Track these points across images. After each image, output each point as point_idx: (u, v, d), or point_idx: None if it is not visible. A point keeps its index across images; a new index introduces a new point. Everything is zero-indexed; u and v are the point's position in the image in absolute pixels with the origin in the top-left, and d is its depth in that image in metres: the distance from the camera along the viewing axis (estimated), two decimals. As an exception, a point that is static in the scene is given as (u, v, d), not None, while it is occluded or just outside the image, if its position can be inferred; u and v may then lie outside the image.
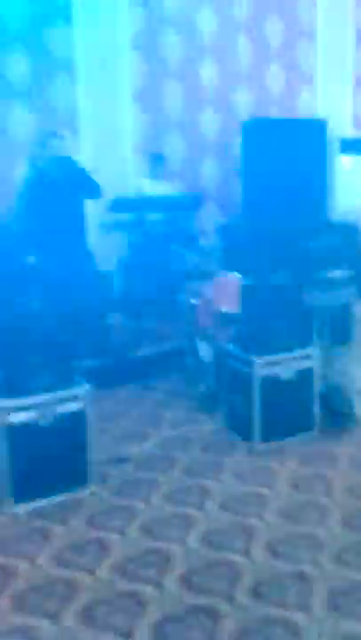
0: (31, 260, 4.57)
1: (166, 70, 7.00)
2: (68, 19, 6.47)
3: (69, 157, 4.81)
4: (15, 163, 6.29)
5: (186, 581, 2.47)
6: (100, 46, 6.62)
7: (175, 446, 3.70)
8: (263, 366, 3.60)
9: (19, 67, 6.37)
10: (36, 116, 6.46)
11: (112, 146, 6.67)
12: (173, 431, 3.91)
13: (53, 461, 3.06)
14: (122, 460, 3.51)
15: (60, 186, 4.71)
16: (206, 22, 7.11)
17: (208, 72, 7.21)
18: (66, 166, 4.69)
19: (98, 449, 3.26)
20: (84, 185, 4.72)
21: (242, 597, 2.37)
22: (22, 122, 6.45)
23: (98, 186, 4.79)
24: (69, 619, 2.27)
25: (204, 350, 4.61)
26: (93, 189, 4.77)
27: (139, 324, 5.45)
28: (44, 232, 4.73)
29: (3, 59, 6.33)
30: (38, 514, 2.98)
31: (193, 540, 2.76)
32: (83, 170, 4.76)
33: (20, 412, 2.99)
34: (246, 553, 2.65)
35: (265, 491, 3.16)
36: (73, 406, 3.10)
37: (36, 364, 3.12)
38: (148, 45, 6.85)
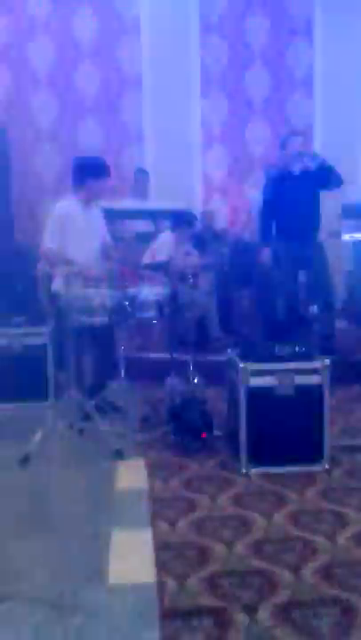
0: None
1: None
2: (310, 34, 6.70)
3: (309, 152, 4.90)
4: (253, 176, 6.64)
5: None
6: (339, 62, 6.71)
7: None
8: None
9: (261, 82, 6.72)
10: (272, 129, 6.72)
11: (345, 151, 6.62)
12: None
13: (289, 431, 3.06)
14: (354, 449, 3.38)
15: (301, 183, 4.79)
16: None
17: None
18: (306, 160, 4.75)
19: (328, 437, 3.18)
20: (326, 174, 4.72)
21: None
22: (261, 136, 6.77)
23: (339, 175, 4.75)
24: (308, 574, 2.22)
25: None
26: (335, 178, 4.74)
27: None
28: (282, 229, 4.88)
29: (244, 76, 6.74)
30: (272, 479, 2.99)
31: None
32: (323, 161, 4.76)
33: (261, 376, 3.05)
34: None
35: None
36: (312, 379, 3.08)
37: (281, 335, 3.17)
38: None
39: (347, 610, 1.99)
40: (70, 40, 6.53)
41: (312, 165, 4.67)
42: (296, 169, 4.80)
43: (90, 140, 6.57)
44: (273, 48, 6.76)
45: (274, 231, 4.97)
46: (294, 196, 4.75)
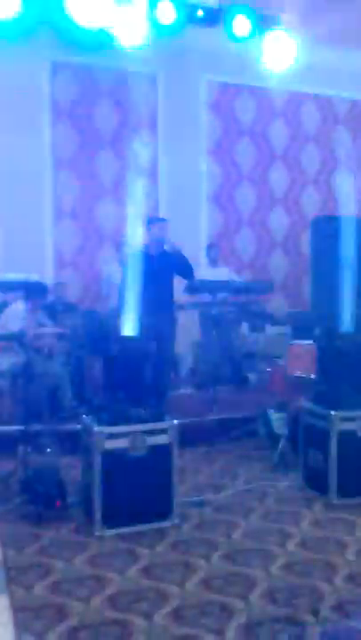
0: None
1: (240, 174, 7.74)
2: (154, 129, 7.38)
3: (168, 240, 5.39)
4: (103, 248, 7.04)
5: (270, 600, 2.54)
6: (181, 153, 7.43)
7: (252, 497, 3.79)
8: (341, 421, 3.73)
9: (111, 168, 7.23)
10: (123, 210, 7.20)
11: (189, 238, 7.23)
12: (248, 485, 4.01)
13: (141, 491, 3.24)
14: (200, 504, 3.63)
15: (161, 264, 5.26)
16: (277, 133, 7.90)
17: (277, 176, 7.91)
18: (166, 247, 5.27)
19: (177, 494, 3.40)
20: (182, 264, 5.25)
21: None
22: (110, 215, 7.21)
23: (191, 267, 5.33)
24: (160, 619, 2.37)
25: (277, 420, 4.76)
26: (188, 269, 5.30)
27: (209, 394, 5.68)
28: (141, 303, 5.24)
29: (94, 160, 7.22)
30: (124, 538, 3.13)
31: (275, 568, 2.83)
32: (180, 251, 5.30)
33: (115, 439, 3.23)
34: (329, 580, 2.71)
35: (344, 536, 3.21)
36: (161, 439, 3.32)
37: (131, 400, 3.40)
38: (223, 152, 7.66)
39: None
40: None
41: (170, 250, 5.19)
42: (155, 252, 5.28)
43: None
44: (120, 138, 7.33)
45: (133, 304, 5.31)
46: (154, 274, 5.17)
